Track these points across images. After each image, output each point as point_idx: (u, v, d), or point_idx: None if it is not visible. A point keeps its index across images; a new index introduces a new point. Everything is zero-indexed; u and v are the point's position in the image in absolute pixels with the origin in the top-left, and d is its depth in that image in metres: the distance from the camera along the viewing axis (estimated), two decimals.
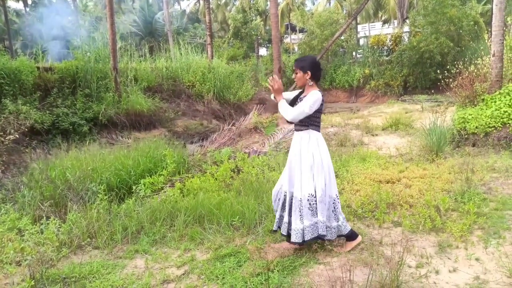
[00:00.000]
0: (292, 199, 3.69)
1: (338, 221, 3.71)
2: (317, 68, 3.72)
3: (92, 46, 13.28)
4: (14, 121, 9.05)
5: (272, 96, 3.85)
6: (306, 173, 3.59)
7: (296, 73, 3.74)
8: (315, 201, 3.57)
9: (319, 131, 3.73)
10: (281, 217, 3.82)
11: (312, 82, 3.70)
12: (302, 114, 3.57)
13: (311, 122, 3.66)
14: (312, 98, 3.55)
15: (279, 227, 3.86)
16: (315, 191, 3.57)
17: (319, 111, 3.66)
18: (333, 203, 3.68)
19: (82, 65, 12.25)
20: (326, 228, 3.61)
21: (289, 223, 3.69)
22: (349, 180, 5.90)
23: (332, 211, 3.68)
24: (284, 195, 3.76)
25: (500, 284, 3.15)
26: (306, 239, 3.56)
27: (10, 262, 3.60)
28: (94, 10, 42.76)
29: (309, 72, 3.68)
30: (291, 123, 3.78)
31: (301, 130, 3.69)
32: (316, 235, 3.57)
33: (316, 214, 3.56)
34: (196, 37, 31.43)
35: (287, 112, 3.62)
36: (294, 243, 3.62)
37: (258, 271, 3.39)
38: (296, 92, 3.92)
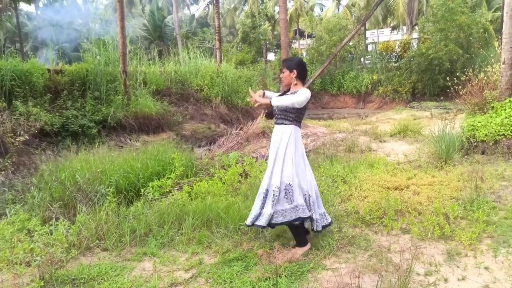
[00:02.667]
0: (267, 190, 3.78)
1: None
2: (303, 68, 3.93)
3: (102, 49, 13.39)
4: (25, 123, 9.14)
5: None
6: (280, 163, 3.73)
7: (283, 72, 3.90)
8: (292, 189, 3.68)
9: (300, 127, 3.89)
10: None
11: (297, 81, 3.88)
12: (288, 103, 3.68)
13: (295, 117, 3.81)
14: (304, 95, 3.68)
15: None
16: (291, 180, 3.70)
17: (305, 109, 3.84)
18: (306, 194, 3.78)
19: (92, 68, 12.34)
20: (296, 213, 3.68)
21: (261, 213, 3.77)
22: (357, 186, 5.88)
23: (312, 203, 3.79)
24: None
25: None
26: (273, 222, 3.70)
27: (20, 263, 3.63)
28: (105, 14, 43.12)
29: (295, 71, 3.85)
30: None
31: (284, 124, 3.82)
32: (287, 220, 3.68)
33: (292, 201, 3.68)
34: (205, 41, 31.60)
35: (278, 100, 3.71)
36: (259, 226, 3.73)
37: (266, 276, 3.40)
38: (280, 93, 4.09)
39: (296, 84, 3.88)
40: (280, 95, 3.98)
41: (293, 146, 3.75)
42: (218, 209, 4.69)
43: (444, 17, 20.53)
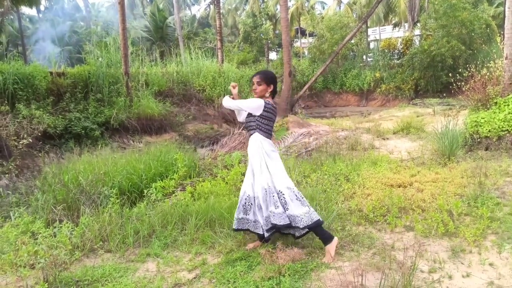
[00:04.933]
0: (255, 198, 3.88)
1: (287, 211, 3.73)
2: (276, 85, 4.06)
3: (104, 51, 13.43)
4: (28, 126, 9.19)
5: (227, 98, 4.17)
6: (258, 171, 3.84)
7: (260, 85, 3.91)
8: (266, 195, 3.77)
9: (266, 137, 3.90)
10: (245, 219, 3.95)
11: (269, 96, 3.96)
12: (234, 107, 4.00)
13: (257, 126, 3.89)
14: (253, 102, 3.86)
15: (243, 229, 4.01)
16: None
17: (265, 118, 3.86)
18: (281, 195, 3.75)
19: (94, 70, 12.39)
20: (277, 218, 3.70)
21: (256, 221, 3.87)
22: (360, 184, 5.87)
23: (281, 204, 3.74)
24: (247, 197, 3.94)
25: None
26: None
27: (24, 265, 3.64)
28: (106, 16, 43.21)
29: (272, 86, 3.96)
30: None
31: (250, 133, 3.98)
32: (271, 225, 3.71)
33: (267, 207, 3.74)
34: (206, 41, 31.63)
35: (227, 101, 4.08)
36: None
37: (269, 275, 3.39)
38: None
39: (267, 97, 3.94)
40: None
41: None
42: (221, 209, 4.69)
43: (446, 14, 20.46)
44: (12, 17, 33.28)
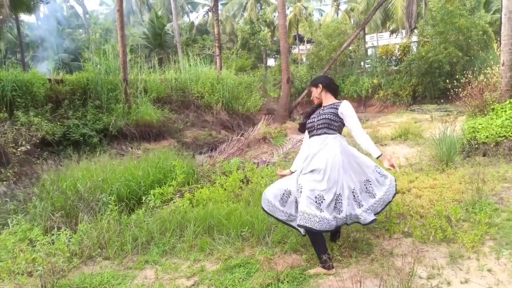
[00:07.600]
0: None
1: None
2: (329, 80, 4.00)
3: (103, 58, 13.47)
4: (26, 133, 9.18)
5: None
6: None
7: (311, 92, 4.01)
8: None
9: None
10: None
11: (326, 94, 3.92)
12: (359, 127, 3.75)
13: (338, 128, 3.83)
14: (351, 108, 3.79)
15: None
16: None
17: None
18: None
19: (93, 77, 12.40)
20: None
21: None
22: None
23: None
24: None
25: None
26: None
27: (22, 273, 3.63)
28: (105, 23, 43.35)
29: (321, 85, 3.93)
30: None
31: (325, 132, 3.79)
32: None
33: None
34: (205, 48, 31.69)
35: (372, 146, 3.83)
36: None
37: (268, 282, 3.38)
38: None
39: (328, 96, 3.92)
40: (310, 113, 4.02)
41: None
42: (219, 216, 4.69)
43: (443, 20, 20.56)
44: (10, 24, 33.34)
